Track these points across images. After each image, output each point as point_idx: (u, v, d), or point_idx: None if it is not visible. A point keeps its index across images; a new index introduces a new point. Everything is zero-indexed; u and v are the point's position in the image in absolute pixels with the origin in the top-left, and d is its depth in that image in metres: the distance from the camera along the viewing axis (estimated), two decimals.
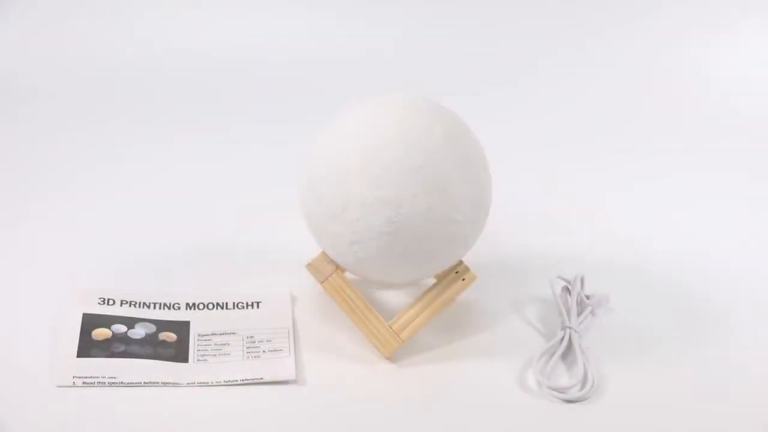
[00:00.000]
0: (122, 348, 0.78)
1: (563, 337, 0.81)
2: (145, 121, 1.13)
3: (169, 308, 0.83)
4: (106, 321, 0.80)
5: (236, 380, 0.77)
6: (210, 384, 0.76)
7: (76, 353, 0.77)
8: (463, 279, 0.81)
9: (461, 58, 1.25)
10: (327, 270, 0.80)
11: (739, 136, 1.15)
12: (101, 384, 0.75)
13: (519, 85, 1.21)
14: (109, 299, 0.83)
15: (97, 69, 1.19)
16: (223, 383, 0.76)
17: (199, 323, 0.82)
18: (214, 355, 0.79)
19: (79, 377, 0.75)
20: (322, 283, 0.80)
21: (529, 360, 0.80)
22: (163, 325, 0.81)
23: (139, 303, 0.83)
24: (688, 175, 1.09)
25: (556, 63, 1.23)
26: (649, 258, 0.93)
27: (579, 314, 0.83)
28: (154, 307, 0.83)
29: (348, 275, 0.82)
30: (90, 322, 0.80)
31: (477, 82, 1.22)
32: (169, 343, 0.80)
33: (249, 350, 0.80)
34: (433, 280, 0.82)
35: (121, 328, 0.80)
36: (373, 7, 1.27)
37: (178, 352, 0.79)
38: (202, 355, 0.79)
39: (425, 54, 1.25)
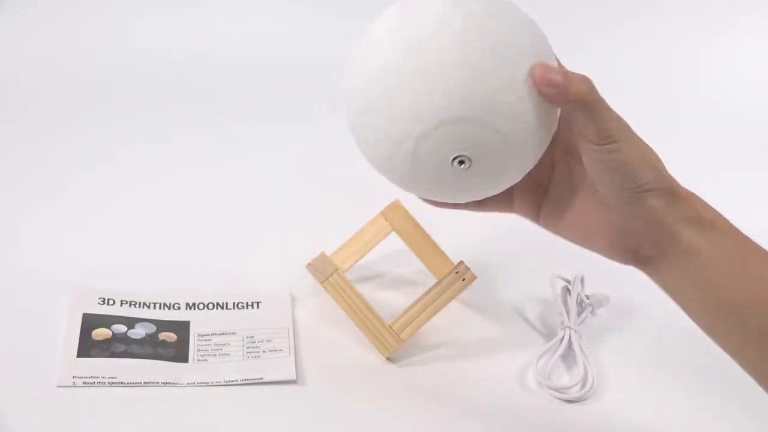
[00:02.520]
0: (122, 348, 0.78)
1: (563, 337, 0.81)
2: (145, 121, 1.13)
3: (169, 308, 0.83)
4: (106, 321, 0.80)
5: (236, 380, 0.77)
6: (210, 384, 0.76)
7: (76, 353, 0.77)
8: (463, 279, 0.81)
9: None
10: (327, 270, 0.80)
11: (740, 136, 1.15)
12: (101, 384, 0.75)
13: None
14: (109, 299, 0.83)
15: (97, 69, 1.19)
16: (223, 383, 0.76)
17: (199, 323, 0.82)
18: (214, 355, 0.79)
19: (79, 377, 0.75)
20: (322, 283, 0.80)
21: (529, 360, 0.80)
22: (163, 325, 0.81)
23: (139, 303, 0.83)
24: (689, 175, 1.08)
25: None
26: None
27: (579, 314, 0.83)
28: (154, 307, 0.83)
29: (348, 275, 0.82)
30: (90, 322, 0.80)
31: None
32: (169, 343, 0.80)
33: (249, 350, 0.80)
34: (434, 280, 0.82)
35: (121, 328, 0.80)
36: (374, 8, 1.27)
37: (178, 352, 0.79)
38: (202, 355, 0.79)
39: None
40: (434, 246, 0.85)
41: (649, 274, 0.65)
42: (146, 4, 1.26)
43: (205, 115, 1.15)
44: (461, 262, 0.82)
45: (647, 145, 0.64)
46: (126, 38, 1.23)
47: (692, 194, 0.64)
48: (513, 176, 0.65)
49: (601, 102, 0.62)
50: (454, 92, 0.60)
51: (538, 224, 0.69)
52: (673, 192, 0.63)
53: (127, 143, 1.09)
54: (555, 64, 0.64)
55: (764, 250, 0.63)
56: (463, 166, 0.62)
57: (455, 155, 0.62)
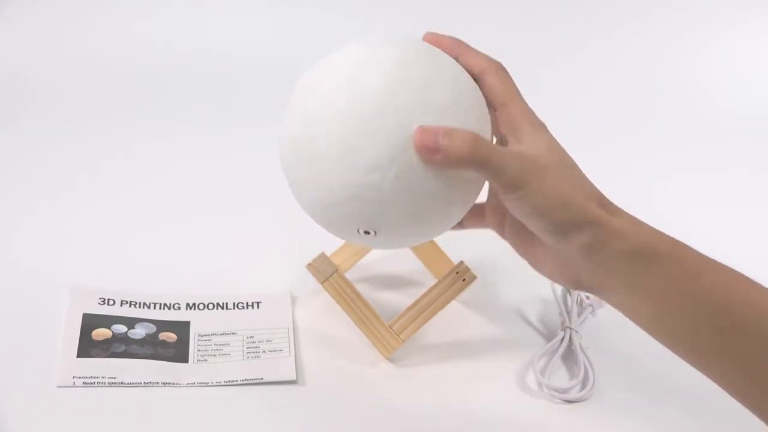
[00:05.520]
0: (122, 348, 0.78)
1: (563, 337, 0.81)
2: (145, 121, 1.13)
3: (169, 308, 0.83)
4: (106, 321, 0.80)
5: (236, 380, 0.77)
6: (210, 384, 0.76)
7: (76, 353, 0.77)
8: (464, 279, 0.80)
9: None
10: (327, 270, 0.80)
11: (740, 136, 1.16)
12: (101, 384, 0.75)
13: (522, 90, 1.20)
14: (109, 299, 0.83)
15: (97, 69, 1.19)
16: (223, 383, 0.76)
17: (199, 323, 0.82)
18: (214, 355, 0.79)
19: (79, 377, 0.75)
20: (322, 283, 0.80)
21: (529, 360, 0.80)
22: (163, 325, 0.81)
23: (139, 303, 0.83)
24: (690, 176, 1.09)
25: (557, 66, 1.23)
26: None
27: (579, 314, 0.83)
28: (154, 307, 0.83)
29: (348, 275, 0.82)
30: (90, 322, 0.80)
31: None
32: (169, 343, 0.80)
33: (249, 350, 0.80)
34: (434, 280, 0.82)
35: (121, 328, 0.80)
36: (375, 8, 1.27)
37: (178, 352, 0.79)
38: (202, 355, 0.79)
39: None
40: (434, 246, 0.85)
41: (597, 295, 0.65)
42: (148, 3, 1.26)
43: (205, 115, 1.15)
44: (461, 262, 0.81)
45: (566, 174, 0.63)
46: (127, 38, 1.23)
47: (625, 220, 0.63)
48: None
49: (491, 155, 0.61)
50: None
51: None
52: (600, 225, 0.62)
53: (126, 143, 1.09)
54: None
55: (711, 260, 0.63)
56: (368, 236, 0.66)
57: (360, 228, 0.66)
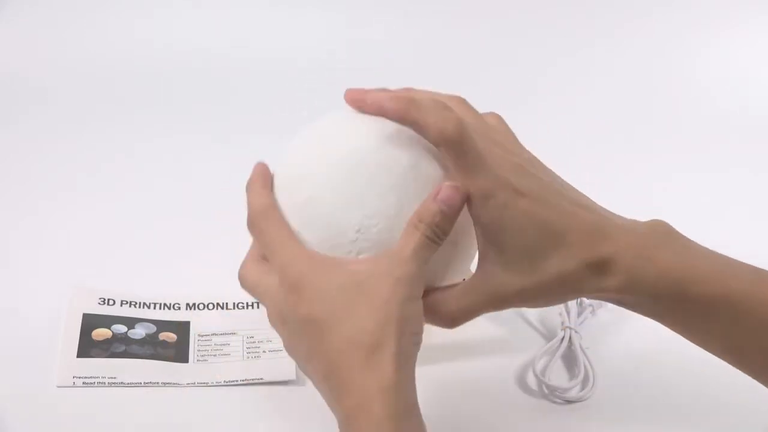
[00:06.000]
0: (122, 348, 0.78)
1: (563, 337, 0.81)
2: (146, 121, 1.13)
3: (169, 308, 0.83)
4: (106, 321, 0.80)
5: (236, 380, 0.77)
6: (210, 384, 0.76)
7: (76, 353, 0.77)
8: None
9: (466, 64, 1.24)
10: None
11: (741, 136, 1.15)
12: (101, 384, 0.75)
13: (523, 89, 1.21)
14: (109, 299, 0.83)
15: (97, 68, 1.19)
16: (223, 383, 0.76)
17: (199, 323, 0.82)
18: (214, 355, 0.79)
19: (79, 377, 0.75)
20: None
21: (529, 360, 0.80)
22: (163, 325, 0.81)
23: (139, 303, 0.83)
24: (690, 176, 1.09)
25: (557, 66, 1.23)
26: None
27: (579, 314, 0.83)
28: (154, 307, 0.83)
29: None
30: (90, 322, 0.80)
31: (479, 85, 1.22)
32: (169, 343, 0.80)
33: (249, 350, 0.80)
34: None
35: (121, 328, 0.80)
36: (375, 8, 1.27)
37: (178, 352, 0.79)
38: (202, 355, 0.79)
39: (435, 59, 1.25)
40: None
41: None
42: (148, 3, 1.26)
43: (205, 115, 1.15)
44: None
45: (537, 281, 0.61)
46: (127, 38, 1.23)
47: (619, 278, 0.61)
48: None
49: (464, 321, 0.64)
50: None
51: None
52: (599, 294, 0.63)
53: (126, 143, 1.09)
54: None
55: (702, 249, 0.67)
56: None
57: None
